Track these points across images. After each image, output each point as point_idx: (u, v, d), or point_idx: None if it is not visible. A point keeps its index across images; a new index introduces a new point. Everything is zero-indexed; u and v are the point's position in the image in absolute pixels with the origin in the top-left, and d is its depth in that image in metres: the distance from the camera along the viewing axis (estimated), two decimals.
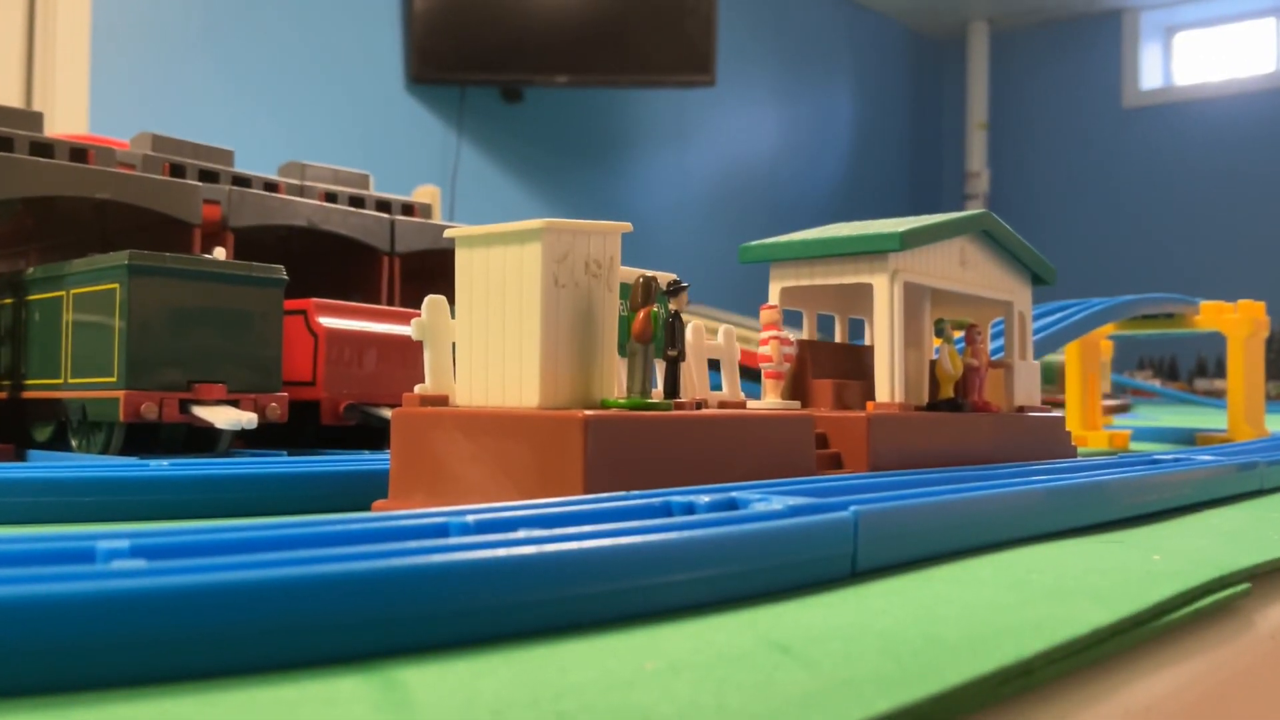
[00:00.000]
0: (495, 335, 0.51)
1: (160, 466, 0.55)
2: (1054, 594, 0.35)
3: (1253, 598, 0.40)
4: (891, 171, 4.28)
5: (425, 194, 1.72)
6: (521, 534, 0.32)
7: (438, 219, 1.08)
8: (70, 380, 0.68)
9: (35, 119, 0.77)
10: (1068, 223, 4.09)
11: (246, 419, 0.65)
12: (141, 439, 0.68)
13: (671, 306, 0.53)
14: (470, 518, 0.34)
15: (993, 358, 0.80)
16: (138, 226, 0.80)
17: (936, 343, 0.73)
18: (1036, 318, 1.26)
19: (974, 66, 4.23)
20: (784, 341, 0.67)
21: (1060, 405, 1.33)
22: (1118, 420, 1.69)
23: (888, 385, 0.66)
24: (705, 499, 0.40)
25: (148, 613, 0.23)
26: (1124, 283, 3.33)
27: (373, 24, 2.59)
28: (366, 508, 0.52)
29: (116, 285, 0.65)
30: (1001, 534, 0.47)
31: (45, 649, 0.22)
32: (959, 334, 0.75)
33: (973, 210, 0.76)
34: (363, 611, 0.26)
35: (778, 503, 0.40)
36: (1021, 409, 0.80)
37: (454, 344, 0.53)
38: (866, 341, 0.77)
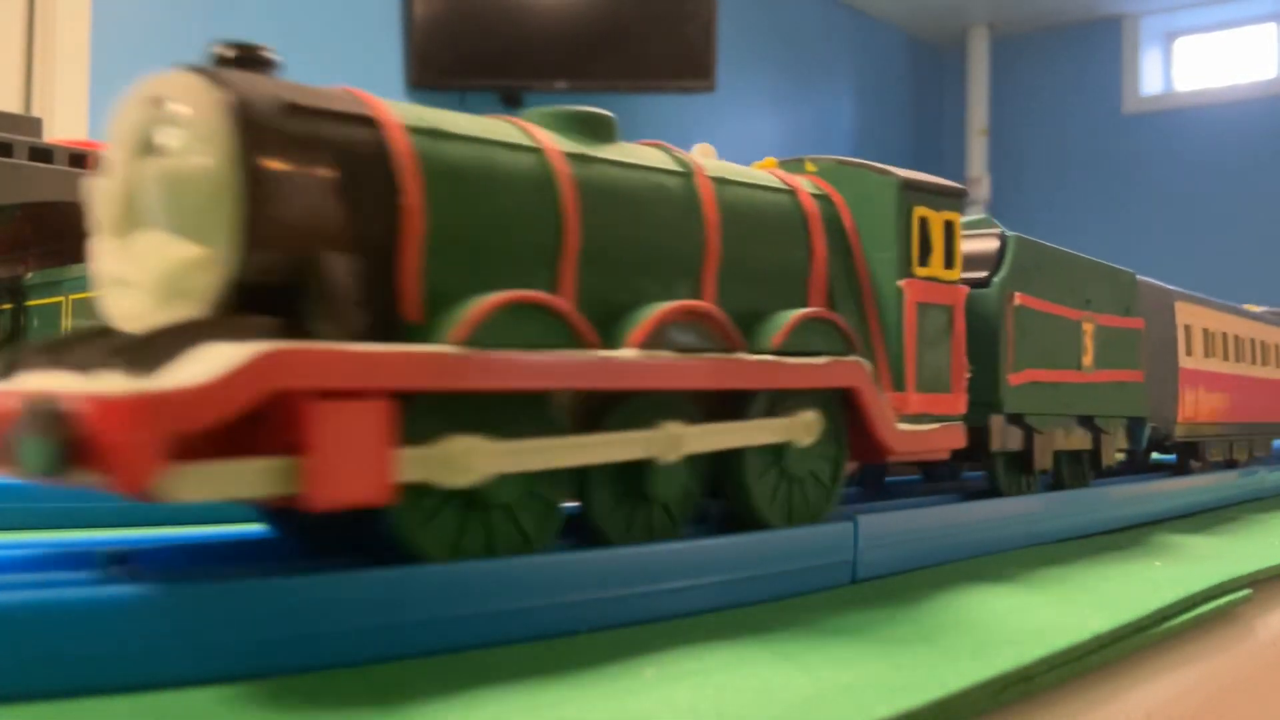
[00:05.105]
0: None
1: None
2: (1055, 600, 0.35)
3: (1253, 604, 0.40)
4: None
5: None
6: None
7: None
8: None
9: (34, 124, 0.77)
10: (1068, 228, 4.09)
11: None
12: None
13: None
14: None
15: None
16: None
17: None
18: None
19: (974, 72, 4.23)
20: None
21: None
22: None
23: None
24: None
25: (147, 618, 0.23)
26: None
27: (373, 29, 2.59)
28: None
29: None
30: (1002, 541, 0.47)
31: (47, 654, 0.22)
32: None
33: (973, 216, 0.76)
34: (360, 619, 0.25)
35: None
36: None
37: None
38: None
